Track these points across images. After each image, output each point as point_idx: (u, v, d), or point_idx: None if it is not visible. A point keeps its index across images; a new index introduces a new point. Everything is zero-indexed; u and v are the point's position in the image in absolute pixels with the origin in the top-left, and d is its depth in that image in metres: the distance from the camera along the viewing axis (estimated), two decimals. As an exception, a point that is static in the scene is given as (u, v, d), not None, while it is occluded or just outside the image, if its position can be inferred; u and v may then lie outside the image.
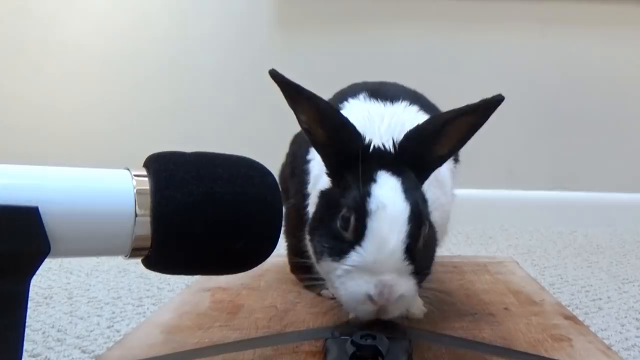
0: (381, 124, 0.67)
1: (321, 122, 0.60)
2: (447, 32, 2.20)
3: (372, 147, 0.60)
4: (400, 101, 0.72)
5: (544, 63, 2.20)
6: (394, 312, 0.55)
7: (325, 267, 0.59)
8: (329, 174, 0.63)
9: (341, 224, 0.57)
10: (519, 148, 2.23)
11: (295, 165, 0.85)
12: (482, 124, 0.59)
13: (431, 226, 0.61)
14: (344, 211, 0.57)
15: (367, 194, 0.56)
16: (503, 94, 0.58)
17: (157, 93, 2.25)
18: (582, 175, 2.23)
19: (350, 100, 0.75)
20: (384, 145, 0.61)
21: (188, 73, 2.25)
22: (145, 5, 2.24)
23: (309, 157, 0.76)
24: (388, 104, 0.72)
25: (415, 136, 0.60)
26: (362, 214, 0.55)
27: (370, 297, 0.53)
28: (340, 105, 0.75)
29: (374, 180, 0.57)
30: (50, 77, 2.25)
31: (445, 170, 0.71)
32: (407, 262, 0.55)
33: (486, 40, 2.18)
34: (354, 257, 0.55)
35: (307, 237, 0.65)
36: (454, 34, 2.19)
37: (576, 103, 2.22)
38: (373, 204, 0.55)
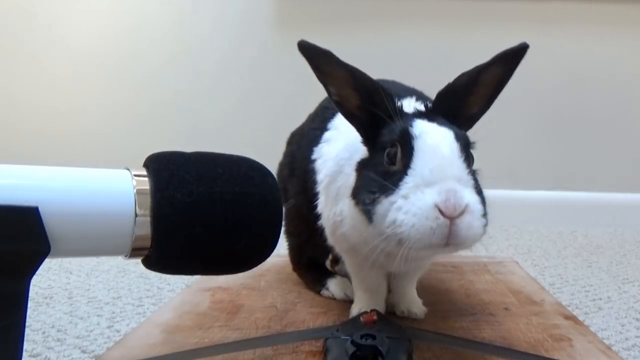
0: None
1: (355, 87, 0.60)
2: (447, 32, 2.20)
3: (405, 105, 0.61)
4: (404, 98, 0.72)
5: (544, 63, 2.20)
6: (466, 232, 0.52)
7: (381, 210, 0.55)
8: (364, 142, 0.63)
9: (387, 161, 0.57)
10: (520, 148, 2.23)
11: (295, 166, 0.85)
12: (509, 76, 0.59)
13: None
14: (387, 150, 0.56)
15: (409, 125, 0.56)
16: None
17: (157, 93, 2.26)
18: (582, 175, 2.23)
19: None
20: (415, 107, 0.62)
21: (188, 73, 2.25)
22: (146, 5, 2.24)
23: (314, 156, 0.76)
24: None
25: (448, 93, 0.60)
26: (407, 141, 0.55)
27: (438, 208, 0.51)
28: None
29: (412, 124, 0.57)
30: (51, 77, 2.25)
31: None
32: (467, 171, 0.54)
33: (486, 40, 2.18)
34: (409, 179, 0.53)
35: (352, 201, 0.61)
36: (454, 33, 2.19)
37: (576, 103, 2.22)
38: (416, 130, 0.55)
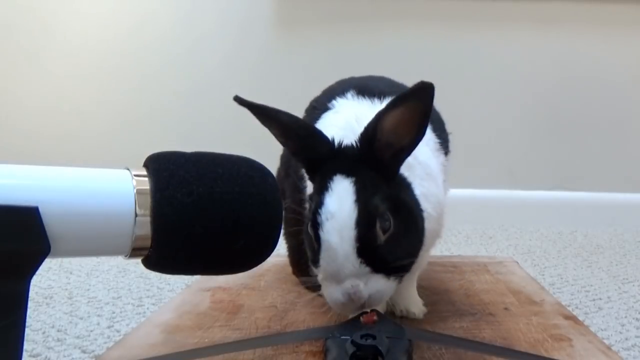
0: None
1: (288, 134, 0.64)
2: (447, 32, 2.20)
3: (337, 147, 0.62)
4: (388, 97, 0.71)
5: (545, 63, 2.20)
6: (374, 305, 0.58)
7: (313, 271, 0.62)
8: (309, 179, 0.66)
9: (308, 236, 0.62)
10: (520, 148, 2.23)
11: (289, 166, 0.85)
12: (428, 107, 0.58)
13: (409, 215, 0.61)
14: (306, 226, 0.62)
15: (320, 204, 0.59)
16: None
17: (157, 93, 2.26)
18: (582, 175, 2.23)
19: (338, 99, 0.74)
20: (346, 145, 0.62)
21: (188, 73, 2.25)
22: (146, 5, 2.24)
23: None
24: (376, 101, 0.72)
25: (367, 136, 0.61)
26: (316, 227, 0.59)
27: (343, 303, 0.57)
28: (329, 105, 0.75)
29: (328, 188, 0.59)
30: (51, 77, 2.25)
31: (434, 164, 0.70)
32: (364, 264, 0.57)
33: (486, 40, 2.18)
34: (320, 269, 0.59)
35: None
36: (454, 34, 2.19)
37: (576, 103, 2.22)
38: (323, 215, 0.58)
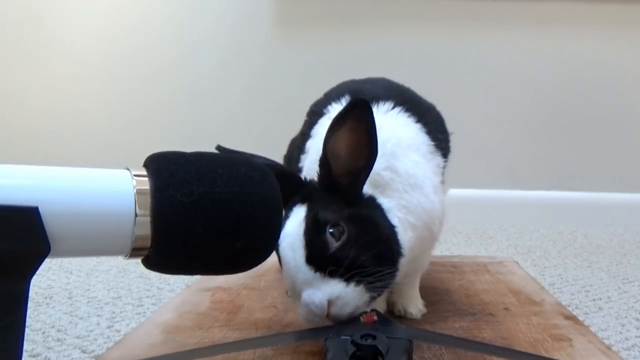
0: None
1: None
2: (446, 32, 2.20)
3: (304, 181, 0.65)
4: (381, 102, 0.71)
5: (544, 63, 2.20)
6: (340, 314, 0.57)
7: None
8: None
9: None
10: (519, 148, 2.23)
11: (291, 167, 0.85)
12: (368, 123, 0.58)
13: (370, 225, 0.60)
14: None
15: (285, 218, 0.61)
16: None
17: (157, 93, 2.26)
18: (582, 175, 2.23)
19: (334, 104, 0.74)
20: (312, 179, 0.64)
21: (188, 73, 2.25)
22: (145, 5, 2.24)
23: (300, 164, 0.76)
24: None
25: (323, 164, 0.61)
26: (277, 251, 0.61)
27: (305, 317, 0.58)
28: (324, 110, 0.75)
29: (288, 217, 0.62)
30: (51, 77, 2.25)
31: (422, 171, 0.69)
32: (314, 270, 0.57)
33: (486, 40, 2.19)
34: (287, 289, 0.62)
35: None
36: (453, 34, 2.19)
37: (576, 103, 2.22)
38: (281, 237, 0.60)
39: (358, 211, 0.61)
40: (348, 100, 0.73)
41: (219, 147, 0.65)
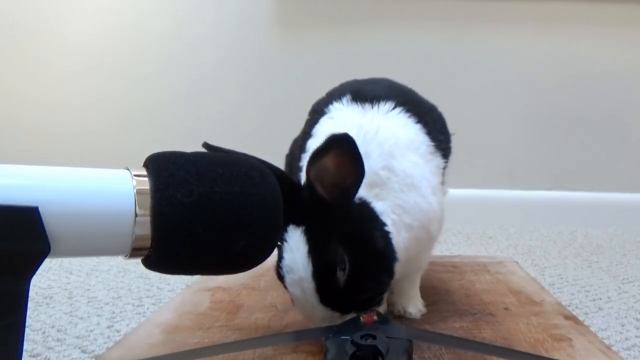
0: (357, 133, 0.64)
1: None
2: (447, 32, 2.20)
3: (297, 186, 0.62)
4: (383, 102, 0.71)
5: (544, 63, 2.20)
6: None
7: None
8: None
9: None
10: (519, 148, 2.23)
11: (293, 169, 0.84)
12: (351, 152, 0.56)
13: (365, 246, 0.60)
14: (275, 271, 0.63)
15: (280, 258, 0.61)
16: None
17: (157, 93, 2.26)
18: (582, 175, 2.23)
19: (335, 103, 0.74)
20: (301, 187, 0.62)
21: (188, 72, 2.25)
22: (145, 4, 2.24)
23: (301, 163, 0.74)
24: (367, 106, 0.71)
25: (309, 179, 0.60)
26: (280, 278, 0.61)
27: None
28: (325, 109, 0.74)
29: (284, 240, 0.61)
30: (50, 76, 2.25)
31: (421, 171, 0.68)
32: (331, 310, 0.59)
33: (486, 40, 2.18)
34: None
35: None
36: (453, 34, 2.19)
37: (576, 103, 2.22)
38: (283, 268, 0.60)
39: (351, 229, 0.60)
40: (348, 99, 0.73)
41: (205, 145, 0.62)
